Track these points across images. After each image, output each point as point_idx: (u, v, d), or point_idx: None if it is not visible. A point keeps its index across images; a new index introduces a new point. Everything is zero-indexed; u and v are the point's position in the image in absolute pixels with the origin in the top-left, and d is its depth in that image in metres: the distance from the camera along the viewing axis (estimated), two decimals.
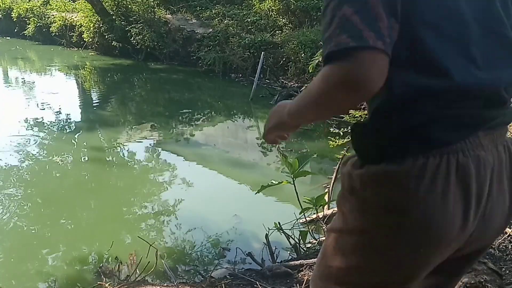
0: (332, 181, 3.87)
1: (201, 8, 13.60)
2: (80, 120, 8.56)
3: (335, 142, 3.85)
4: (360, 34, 0.74)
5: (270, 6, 12.51)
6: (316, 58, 6.86)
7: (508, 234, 2.71)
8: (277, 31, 11.76)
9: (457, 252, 0.93)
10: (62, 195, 5.17)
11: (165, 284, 3.04)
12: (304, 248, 3.35)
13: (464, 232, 0.87)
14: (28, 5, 17.57)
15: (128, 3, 13.94)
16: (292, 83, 9.85)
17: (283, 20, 12.31)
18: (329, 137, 4.11)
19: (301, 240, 3.29)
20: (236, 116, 8.97)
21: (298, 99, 0.92)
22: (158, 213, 4.71)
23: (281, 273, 2.82)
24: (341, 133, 4.07)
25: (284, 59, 10.49)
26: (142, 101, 10.38)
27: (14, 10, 17.83)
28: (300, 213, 3.31)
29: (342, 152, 3.77)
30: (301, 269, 2.79)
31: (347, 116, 3.75)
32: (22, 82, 12.00)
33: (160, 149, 6.78)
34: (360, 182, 0.89)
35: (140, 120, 8.50)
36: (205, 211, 4.66)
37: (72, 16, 15.83)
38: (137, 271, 3.02)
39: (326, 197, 3.60)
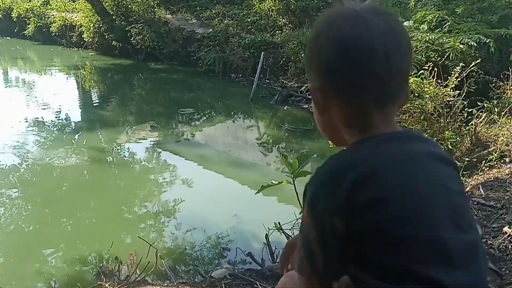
0: None
1: (201, 8, 13.61)
2: (80, 120, 8.56)
3: None
4: (301, 266, 0.90)
5: (270, 6, 12.52)
6: None
7: (508, 234, 2.71)
8: (277, 31, 11.77)
9: None
10: (62, 195, 5.17)
11: (165, 284, 3.04)
12: None
13: None
14: (28, 5, 17.58)
15: (128, 3, 13.95)
16: (292, 83, 9.85)
17: (283, 20, 12.32)
18: None
19: None
20: (236, 116, 8.97)
21: None
22: (158, 213, 4.71)
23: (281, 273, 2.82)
24: None
25: (284, 59, 10.50)
26: (142, 101, 10.38)
27: (14, 10, 17.85)
28: (300, 213, 3.30)
29: None
30: None
31: None
32: (22, 82, 12.00)
33: (160, 149, 6.77)
34: None
35: (140, 120, 8.50)
36: (205, 211, 4.66)
37: (72, 16, 15.83)
38: (137, 271, 3.03)
39: None
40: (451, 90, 4.39)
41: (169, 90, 10.93)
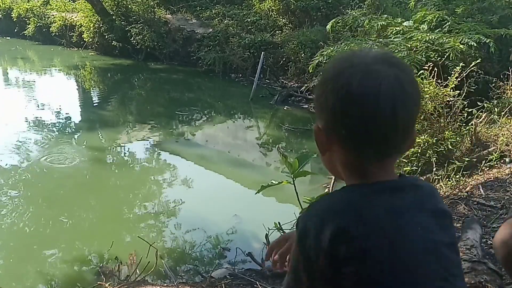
0: (332, 181, 3.87)
1: (201, 8, 13.61)
2: (80, 120, 8.57)
3: None
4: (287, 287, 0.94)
5: (270, 6, 12.51)
6: (316, 58, 6.86)
7: None
8: (277, 31, 11.77)
9: None
10: (62, 195, 5.17)
11: (165, 284, 3.04)
12: None
13: None
14: (28, 5, 17.57)
15: (128, 3, 13.95)
16: (292, 83, 9.86)
17: (283, 20, 12.32)
18: None
19: None
20: (236, 116, 8.97)
21: None
22: (158, 213, 4.71)
23: (281, 273, 2.82)
24: None
25: (284, 59, 10.50)
26: (142, 101, 10.38)
27: (14, 10, 17.83)
28: (300, 213, 3.30)
29: None
30: None
31: None
32: (22, 82, 12.00)
33: (160, 149, 6.78)
34: None
35: (140, 120, 8.50)
36: (205, 211, 4.66)
37: (72, 16, 15.82)
38: (137, 271, 3.03)
39: None
40: (451, 90, 4.38)
41: (169, 90, 10.93)
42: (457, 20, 6.81)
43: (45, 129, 7.45)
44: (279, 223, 3.34)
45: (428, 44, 6.06)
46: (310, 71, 7.21)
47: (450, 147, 4.20)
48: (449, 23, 6.60)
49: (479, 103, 5.00)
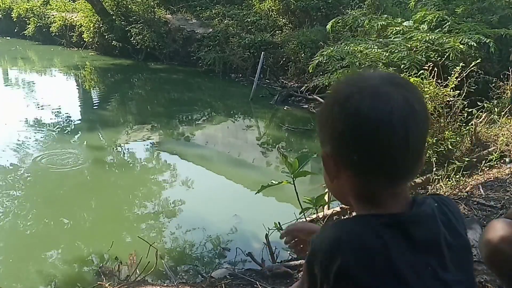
0: None
1: (201, 8, 13.61)
2: (80, 120, 8.56)
3: None
4: None
5: (270, 6, 12.52)
6: (316, 58, 6.86)
7: None
8: (277, 31, 11.77)
9: None
10: (62, 195, 5.17)
11: (165, 284, 3.04)
12: None
13: None
14: (28, 5, 17.57)
15: (128, 3, 13.95)
16: (292, 83, 9.86)
17: (283, 20, 12.32)
18: None
19: None
20: (236, 116, 8.98)
21: None
22: (158, 213, 4.71)
23: (281, 273, 2.83)
24: None
25: (284, 59, 10.50)
26: (142, 101, 10.39)
27: (14, 10, 17.83)
28: (300, 213, 3.30)
29: None
30: (301, 269, 2.79)
31: None
32: (22, 82, 12.00)
33: (160, 149, 6.78)
34: None
35: (140, 120, 8.50)
36: (205, 211, 4.66)
37: (72, 16, 15.83)
38: (137, 271, 3.02)
39: (326, 197, 3.59)
40: (451, 90, 4.38)
41: (169, 90, 10.93)
42: (457, 20, 6.81)
43: (45, 129, 7.45)
44: (279, 223, 3.34)
45: (428, 44, 6.07)
46: (310, 71, 7.21)
47: (450, 147, 4.20)
48: (449, 23, 6.61)
49: (479, 103, 5.00)
